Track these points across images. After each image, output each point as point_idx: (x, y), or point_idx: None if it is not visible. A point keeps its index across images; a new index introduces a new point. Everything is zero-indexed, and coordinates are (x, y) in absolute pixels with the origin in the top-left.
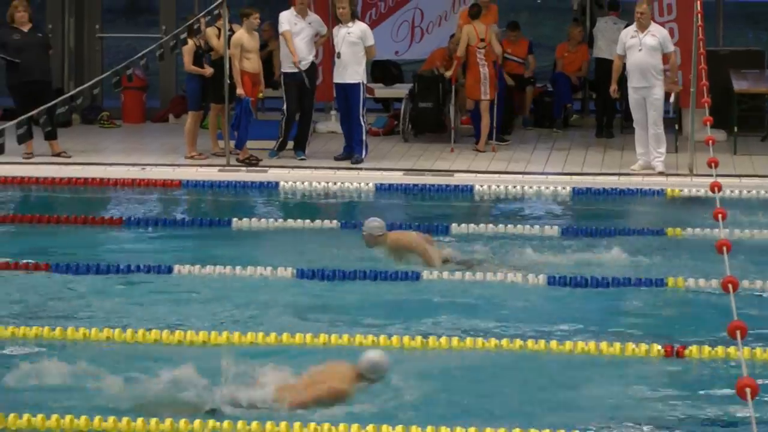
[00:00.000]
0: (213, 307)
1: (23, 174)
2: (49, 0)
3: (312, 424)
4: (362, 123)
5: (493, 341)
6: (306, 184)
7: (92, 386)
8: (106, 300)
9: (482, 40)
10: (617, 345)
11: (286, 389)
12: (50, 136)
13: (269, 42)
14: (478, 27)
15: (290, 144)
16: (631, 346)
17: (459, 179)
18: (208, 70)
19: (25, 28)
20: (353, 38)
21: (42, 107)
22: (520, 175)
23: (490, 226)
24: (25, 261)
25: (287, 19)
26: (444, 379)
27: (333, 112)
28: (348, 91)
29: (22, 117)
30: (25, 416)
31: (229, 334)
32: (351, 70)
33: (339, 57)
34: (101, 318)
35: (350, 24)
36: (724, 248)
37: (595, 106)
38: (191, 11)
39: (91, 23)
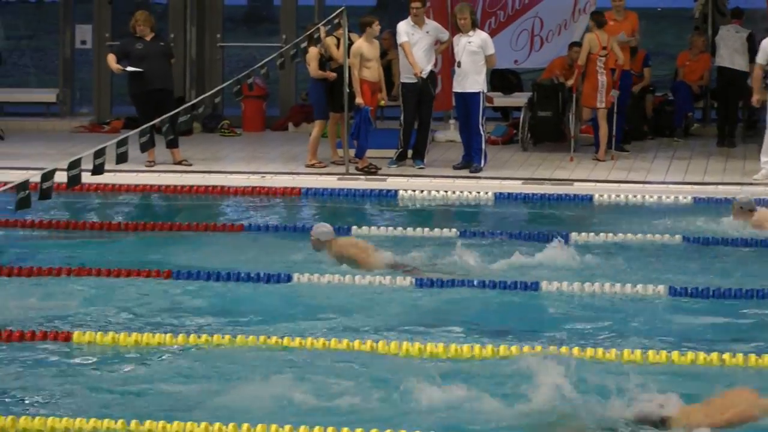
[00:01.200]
0: (334, 315)
1: (145, 182)
2: (172, 10)
3: None
4: (482, 132)
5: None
6: (425, 192)
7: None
8: (228, 307)
9: (603, 48)
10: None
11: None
12: (172, 145)
13: (389, 51)
14: (601, 36)
15: (409, 153)
16: None
17: (578, 188)
18: (332, 74)
19: (148, 38)
20: (474, 47)
21: (164, 116)
22: (641, 185)
23: (610, 235)
24: (146, 269)
25: (404, 30)
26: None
27: (452, 121)
28: (468, 100)
29: (145, 126)
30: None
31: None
32: (471, 80)
33: (459, 66)
34: (223, 324)
35: (471, 33)
36: None
37: (717, 115)
38: (311, 20)
39: (212, 32)
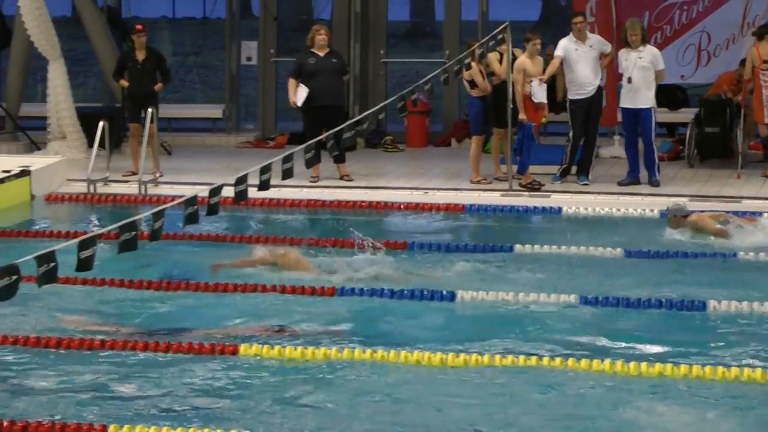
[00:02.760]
0: (498, 332)
1: (309, 197)
2: (336, 26)
3: None
4: (654, 147)
5: None
6: (589, 209)
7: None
8: (393, 322)
9: (765, 62)
10: None
11: None
12: (339, 160)
13: None
14: (762, 48)
15: (573, 169)
16: None
17: (747, 206)
18: (486, 85)
19: (322, 53)
20: (644, 63)
21: (329, 132)
22: None
23: None
24: (311, 285)
25: (564, 45)
26: None
27: (616, 137)
28: (639, 115)
29: (310, 141)
30: None
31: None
32: (642, 95)
33: (630, 82)
34: (385, 340)
35: (641, 48)
36: None
37: None
38: (474, 36)
39: (375, 48)
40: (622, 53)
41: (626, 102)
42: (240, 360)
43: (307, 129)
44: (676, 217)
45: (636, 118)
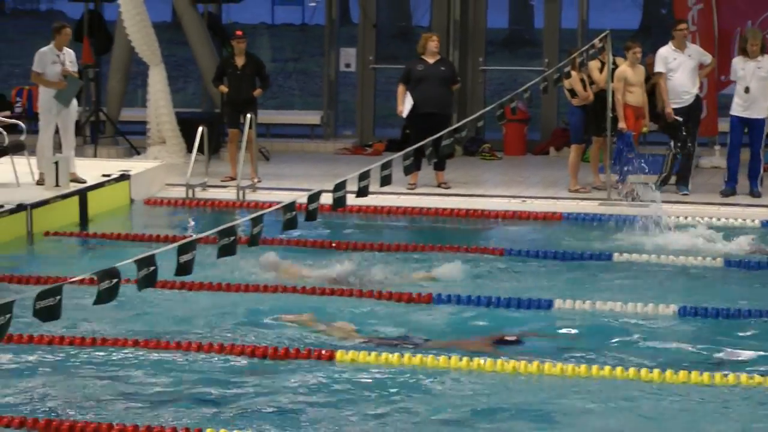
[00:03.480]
0: (596, 341)
1: (407, 204)
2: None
3: None
4: (762, 158)
5: None
6: (689, 219)
7: None
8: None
9: None
10: None
11: None
12: (438, 167)
13: (653, 75)
14: None
15: (673, 178)
16: None
17: None
18: (590, 95)
19: (432, 60)
20: (763, 73)
21: (427, 139)
22: None
23: None
24: (407, 291)
25: (663, 56)
26: None
27: (717, 147)
28: (751, 125)
29: (408, 149)
30: None
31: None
32: (759, 105)
33: (747, 92)
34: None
35: (759, 58)
36: None
37: None
38: (574, 44)
39: (474, 56)
40: (738, 62)
41: (740, 111)
42: (337, 366)
43: (412, 136)
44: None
45: (748, 127)
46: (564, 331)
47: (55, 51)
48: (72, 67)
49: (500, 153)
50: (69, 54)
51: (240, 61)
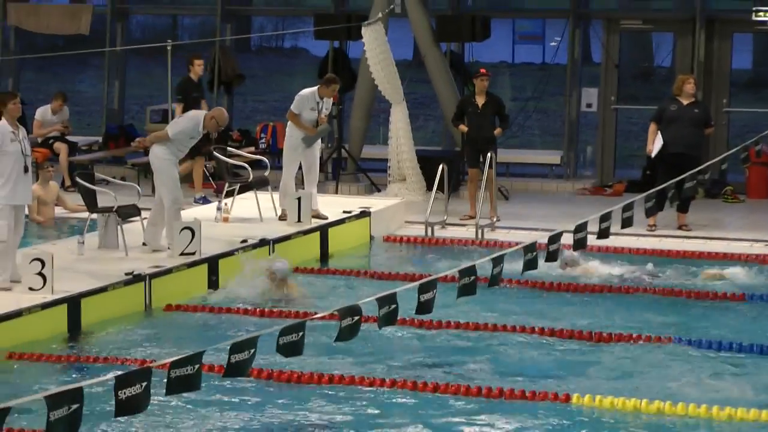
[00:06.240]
0: None
1: (647, 246)
2: (678, 75)
3: None
4: None
5: None
6: None
7: None
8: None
9: None
10: None
11: None
12: (681, 209)
13: None
14: None
15: None
16: None
17: None
18: None
19: (686, 101)
20: None
21: (670, 181)
22: None
23: None
24: (647, 334)
25: None
26: None
27: None
28: None
29: (651, 191)
30: None
31: None
32: None
33: None
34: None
35: None
36: None
37: None
38: None
39: (718, 97)
40: None
41: None
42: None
43: (659, 176)
44: (567, 265)
45: None
46: None
47: (317, 98)
48: (325, 113)
49: (743, 196)
50: (327, 103)
51: (480, 100)
